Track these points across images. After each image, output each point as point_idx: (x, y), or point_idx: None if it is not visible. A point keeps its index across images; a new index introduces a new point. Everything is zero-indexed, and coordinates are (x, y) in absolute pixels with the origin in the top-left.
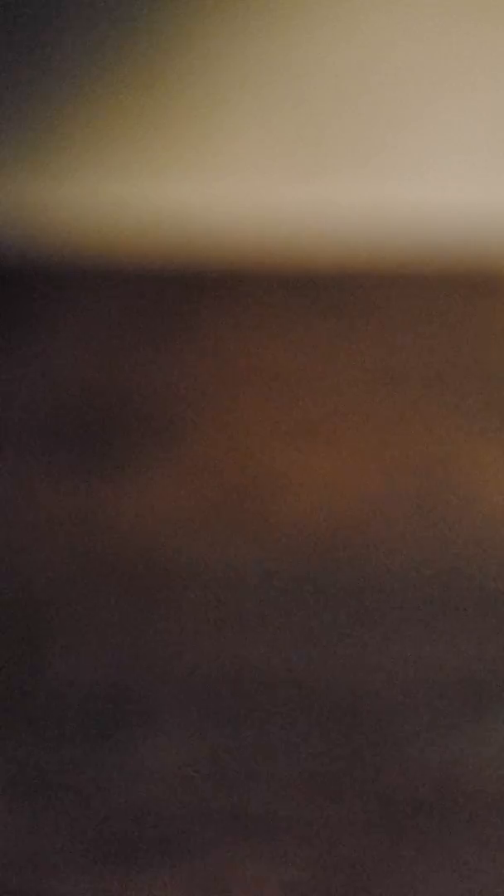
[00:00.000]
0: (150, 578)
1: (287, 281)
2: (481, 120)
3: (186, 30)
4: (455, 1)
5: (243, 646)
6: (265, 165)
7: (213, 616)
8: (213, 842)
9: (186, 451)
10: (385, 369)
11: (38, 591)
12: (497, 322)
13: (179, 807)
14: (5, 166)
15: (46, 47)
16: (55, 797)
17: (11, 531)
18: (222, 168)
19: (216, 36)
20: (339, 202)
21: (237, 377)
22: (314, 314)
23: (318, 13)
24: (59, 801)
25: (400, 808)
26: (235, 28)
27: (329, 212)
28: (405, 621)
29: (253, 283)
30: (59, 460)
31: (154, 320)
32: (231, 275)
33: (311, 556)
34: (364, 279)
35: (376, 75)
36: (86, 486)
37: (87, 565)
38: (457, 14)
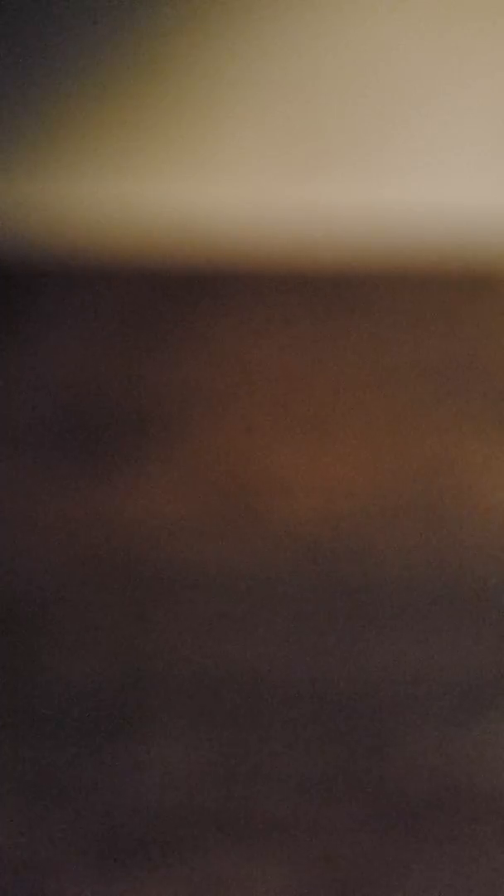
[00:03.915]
0: (150, 578)
1: (286, 281)
2: (480, 120)
3: (186, 30)
4: (454, 1)
5: (243, 646)
6: (265, 165)
7: (213, 616)
8: (213, 842)
9: (186, 451)
10: (384, 369)
11: (38, 592)
12: (496, 321)
13: (179, 807)
14: (5, 166)
15: (46, 47)
16: (56, 797)
17: (10, 531)
18: (222, 168)
19: (216, 36)
20: (339, 202)
21: (237, 377)
22: (314, 314)
23: (317, 14)
24: (60, 801)
25: (400, 809)
26: (235, 28)
27: (328, 212)
28: (405, 621)
29: (253, 283)
30: (58, 460)
31: (154, 320)
32: (231, 275)
33: (310, 556)
34: (364, 279)
35: (376, 75)
36: (85, 486)
37: (88, 565)
38: (456, 14)
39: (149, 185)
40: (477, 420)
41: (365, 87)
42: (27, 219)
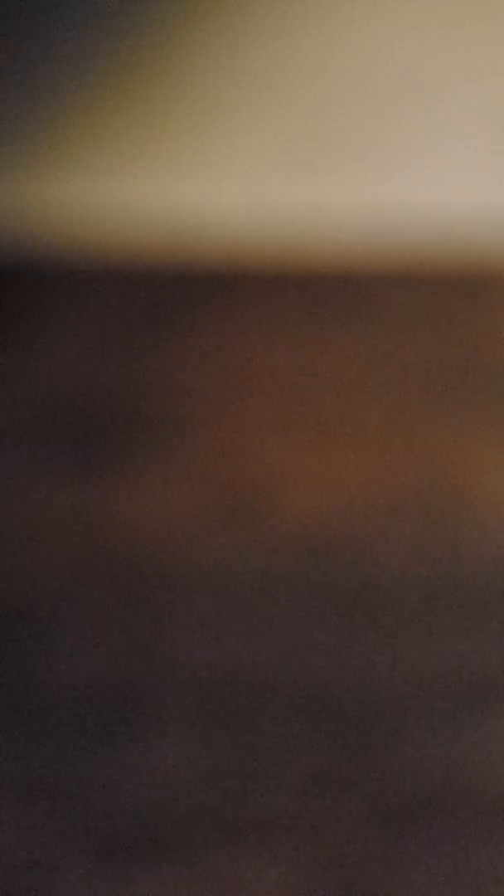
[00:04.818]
0: (149, 578)
1: (286, 281)
2: (481, 120)
3: (186, 30)
4: (454, 1)
5: (243, 646)
6: (265, 165)
7: (213, 616)
8: (213, 842)
9: (186, 451)
10: (385, 369)
11: (37, 592)
12: (497, 322)
13: (179, 807)
14: (5, 166)
15: (46, 47)
16: (55, 797)
17: (10, 531)
18: (222, 168)
19: (216, 36)
20: (339, 202)
21: (237, 377)
22: (314, 314)
23: (318, 13)
24: (60, 801)
25: (400, 808)
26: (235, 28)
27: (329, 211)
28: (405, 621)
29: (253, 283)
30: (58, 460)
31: (153, 320)
32: (231, 275)
33: (310, 556)
34: (364, 279)
35: (376, 75)
36: (85, 486)
37: (87, 565)
38: (456, 14)
39: (149, 185)
40: (477, 420)
41: (365, 88)
42: (27, 219)
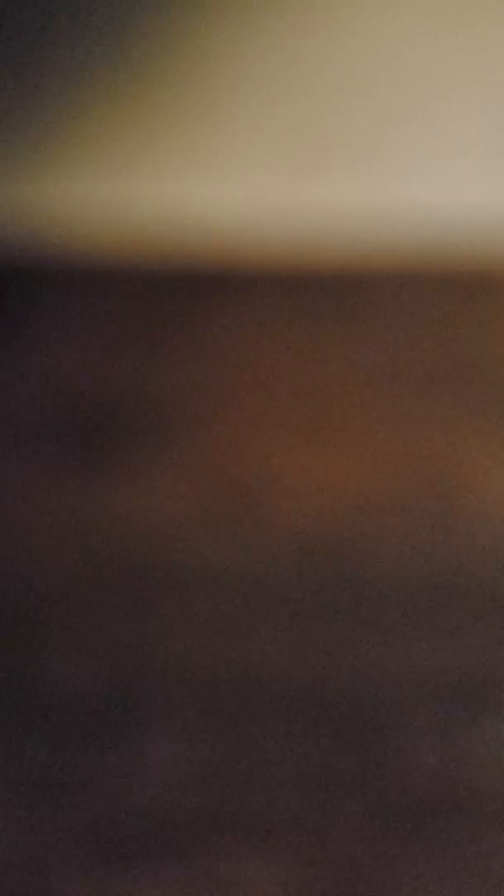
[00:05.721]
0: (149, 578)
1: (286, 281)
2: (481, 120)
3: (186, 30)
4: (455, 1)
5: (242, 645)
6: (265, 165)
7: (212, 616)
8: (213, 842)
9: (185, 451)
10: (385, 369)
11: (38, 592)
12: (496, 322)
13: (179, 807)
14: (5, 166)
15: (46, 47)
16: (56, 797)
17: (10, 531)
18: (222, 168)
19: (216, 36)
20: (339, 202)
21: (236, 377)
22: (314, 314)
23: (318, 14)
24: (60, 802)
25: (400, 808)
26: (235, 28)
27: (329, 212)
28: (405, 621)
29: (252, 283)
30: (58, 460)
31: (154, 320)
32: (231, 275)
33: (310, 556)
34: (364, 279)
35: (376, 75)
36: (85, 486)
37: (87, 565)
38: (456, 14)
39: (149, 185)
40: (477, 420)
41: (365, 88)
42: (27, 219)
